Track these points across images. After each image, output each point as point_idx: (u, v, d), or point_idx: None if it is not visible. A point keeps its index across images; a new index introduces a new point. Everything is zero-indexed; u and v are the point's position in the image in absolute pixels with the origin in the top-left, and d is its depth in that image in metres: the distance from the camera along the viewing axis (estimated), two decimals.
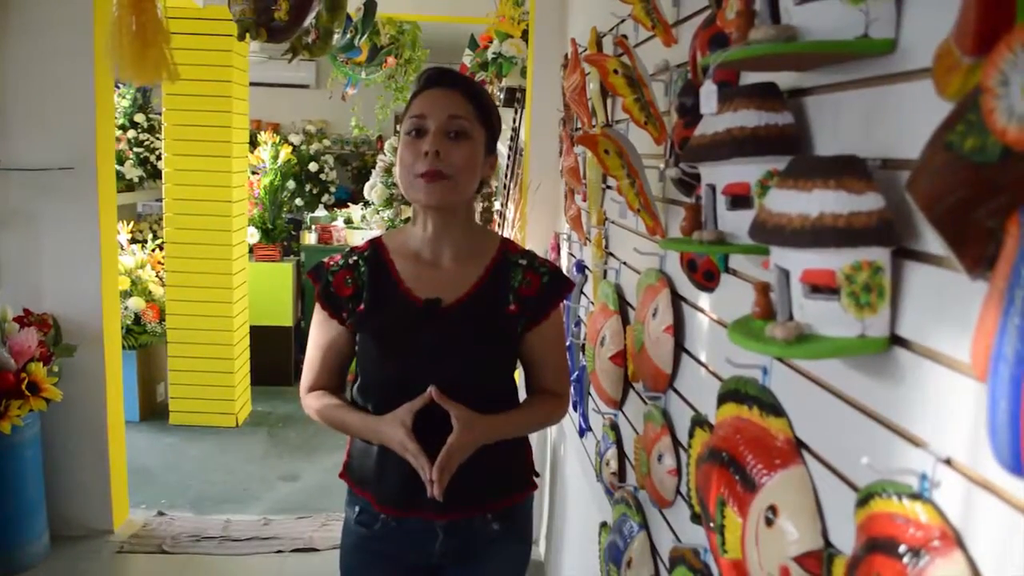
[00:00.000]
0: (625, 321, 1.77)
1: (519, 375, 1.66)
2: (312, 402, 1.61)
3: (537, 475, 1.69)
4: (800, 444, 0.92)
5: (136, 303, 4.74)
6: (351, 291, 1.55)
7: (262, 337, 5.38)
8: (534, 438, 1.69)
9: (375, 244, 1.61)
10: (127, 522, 3.52)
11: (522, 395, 1.66)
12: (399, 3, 4.76)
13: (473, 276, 1.55)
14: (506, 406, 1.57)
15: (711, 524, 0.99)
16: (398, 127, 6.88)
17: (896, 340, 0.73)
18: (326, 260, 1.61)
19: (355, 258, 1.58)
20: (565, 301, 1.64)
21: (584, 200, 2.24)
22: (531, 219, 3.26)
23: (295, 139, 7.52)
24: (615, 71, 1.49)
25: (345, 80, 5.29)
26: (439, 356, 1.50)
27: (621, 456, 1.81)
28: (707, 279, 1.26)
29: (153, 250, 5.24)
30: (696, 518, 1.24)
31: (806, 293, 0.74)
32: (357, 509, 1.61)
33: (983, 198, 0.55)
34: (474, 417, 1.46)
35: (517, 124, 3.77)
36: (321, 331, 1.61)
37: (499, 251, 1.59)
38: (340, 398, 1.61)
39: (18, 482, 3.02)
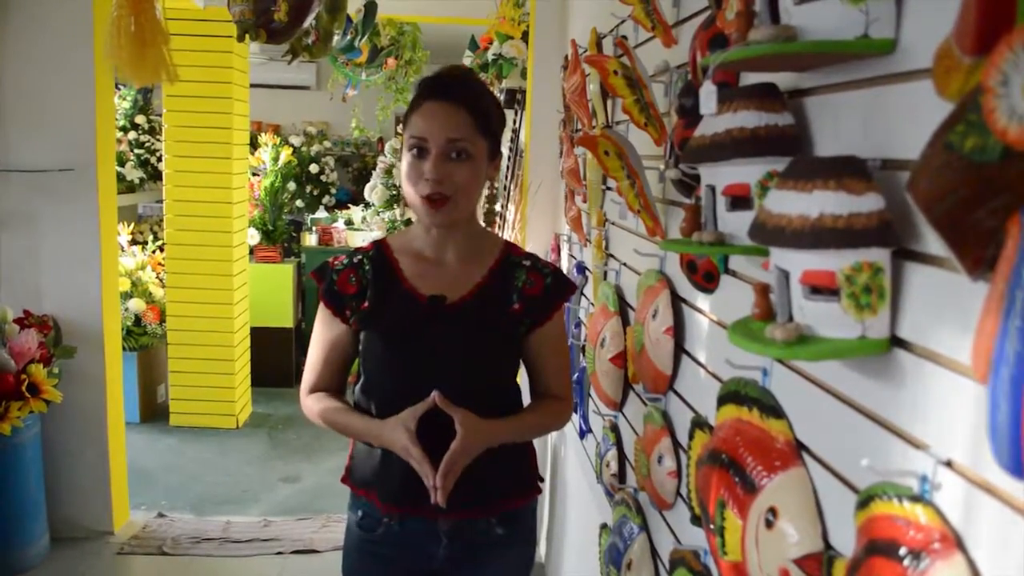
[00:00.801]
0: (625, 322, 1.77)
1: (521, 379, 1.66)
2: (313, 405, 1.60)
3: (541, 479, 1.69)
4: (800, 446, 0.92)
5: (136, 304, 4.74)
6: (355, 289, 1.56)
7: (262, 338, 5.39)
8: (536, 440, 1.69)
9: (379, 244, 1.62)
10: (127, 523, 3.52)
11: (526, 401, 1.66)
12: (399, 4, 4.76)
13: (477, 275, 1.56)
14: (509, 408, 1.57)
15: (711, 526, 0.99)
16: (399, 128, 6.89)
17: (896, 341, 0.73)
18: (330, 260, 1.62)
19: (359, 257, 1.59)
20: (566, 303, 1.64)
21: (584, 201, 2.24)
22: (531, 220, 3.26)
23: (296, 140, 7.53)
24: (615, 72, 1.49)
25: (345, 81, 5.29)
26: (443, 353, 1.51)
27: (621, 458, 1.81)
28: (707, 280, 1.26)
29: (154, 251, 5.24)
30: (696, 520, 1.24)
31: (806, 294, 0.74)
32: (360, 513, 1.61)
33: (983, 198, 0.54)
34: (478, 422, 1.46)
35: (517, 125, 3.77)
36: (324, 330, 1.61)
37: (502, 252, 1.60)
38: (342, 401, 1.61)
39: (18, 483, 3.02)
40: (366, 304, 1.55)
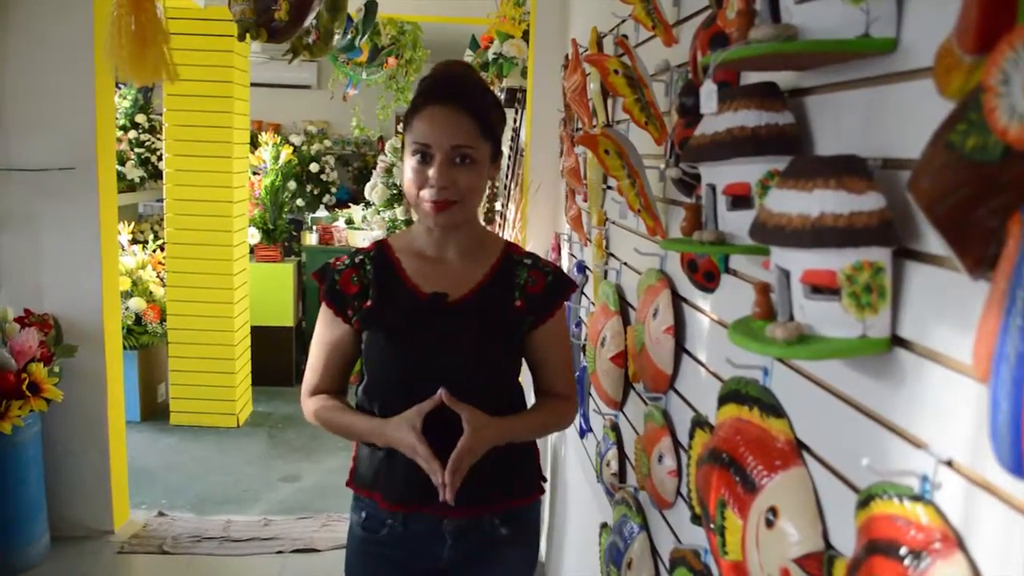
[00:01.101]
0: (626, 322, 1.77)
1: (525, 381, 1.66)
2: (314, 407, 1.60)
3: (545, 479, 1.70)
4: (801, 445, 0.92)
5: (137, 303, 4.74)
6: (357, 289, 1.56)
7: (263, 337, 5.39)
8: (538, 439, 1.69)
9: (381, 244, 1.62)
10: (128, 522, 3.52)
11: (531, 401, 1.66)
12: (400, 4, 4.76)
13: (478, 273, 1.56)
14: (512, 408, 1.58)
15: (711, 525, 0.99)
16: (399, 128, 6.89)
17: (897, 341, 0.73)
18: (332, 260, 1.62)
19: (361, 257, 1.59)
20: (567, 303, 1.64)
21: (585, 200, 2.24)
22: (532, 219, 3.26)
23: (296, 140, 7.53)
24: (615, 71, 1.49)
25: (346, 81, 5.28)
26: (446, 351, 1.51)
27: (621, 457, 1.81)
28: (707, 279, 1.25)
29: (154, 250, 5.24)
30: (696, 519, 1.24)
31: (807, 294, 0.74)
32: (363, 515, 1.61)
33: (984, 197, 0.54)
34: (485, 420, 1.46)
35: (518, 125, 3.77)
36: (326, 331, 1.61)
37: (503, 251, 1.61)
38: (343, 402, 1.61)
39: (19, 482, 3.02)
40: (368, 303, 1.55)
